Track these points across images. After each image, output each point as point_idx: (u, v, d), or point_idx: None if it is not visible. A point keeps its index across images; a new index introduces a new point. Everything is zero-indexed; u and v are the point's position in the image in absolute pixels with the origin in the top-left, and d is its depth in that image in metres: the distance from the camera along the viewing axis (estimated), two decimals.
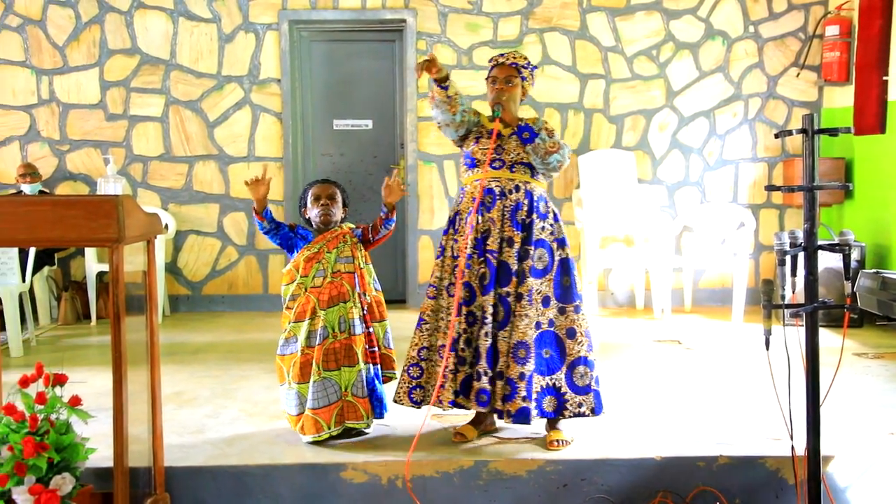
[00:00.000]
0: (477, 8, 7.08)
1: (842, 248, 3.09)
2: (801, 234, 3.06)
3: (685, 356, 5.40)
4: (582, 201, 6.79)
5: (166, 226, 6.82)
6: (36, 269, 6.16)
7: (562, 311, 3.67)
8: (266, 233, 3.79)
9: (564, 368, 3.64)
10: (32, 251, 5.90)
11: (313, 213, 3.80)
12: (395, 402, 3.75)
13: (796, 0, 7.09)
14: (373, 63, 7.31)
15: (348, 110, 7.33)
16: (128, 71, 7.04)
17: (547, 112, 7.12)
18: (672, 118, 7.19)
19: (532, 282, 3.60)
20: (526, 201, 3.66)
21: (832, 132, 3.10)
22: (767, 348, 3.09)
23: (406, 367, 3.72)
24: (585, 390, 3.64)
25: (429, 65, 3.61)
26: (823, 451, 3.14)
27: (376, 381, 3.75)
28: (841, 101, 6.98)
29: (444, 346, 3.62)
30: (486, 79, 3.86)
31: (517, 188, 3.67)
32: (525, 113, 4.16)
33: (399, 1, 7.05)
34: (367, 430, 3.78)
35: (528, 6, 7.07)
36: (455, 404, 3.64)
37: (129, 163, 7.09)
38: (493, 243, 3.62)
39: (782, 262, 3.05)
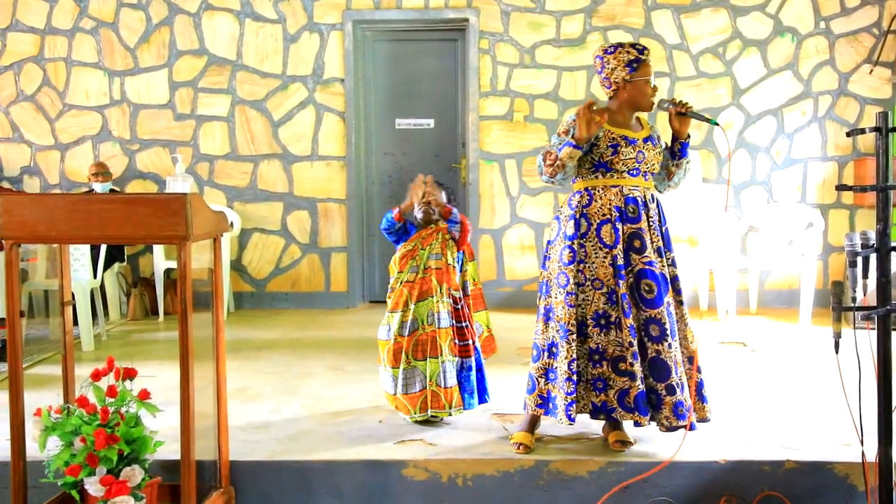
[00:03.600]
0: (540, 6, 7.05)
1: None
2: (873, 235, 2.98)
3: (750, 358, 5.31)
4: None
5: (231, 224, 6.95)
6: (107, 266, 6.33)
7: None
8: (390, 231, 3.94)
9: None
10: (104, 248, 6.05)
11: (416, 210, 3.94)
12: (568, 417, 3.50)
13: None
14: (435, 62, 7.33)
15: (411, 109, 7.36)
16: (195, 71, 7.18)
17: None
18: (738, 116, 7.07)
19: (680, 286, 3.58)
20: (658, 210, 3.61)
21: None
22: (837, 352, 3.02)
23: (560, 384, 3.49)
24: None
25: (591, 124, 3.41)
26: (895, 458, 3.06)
27: (466, 373, 3.88)
28: None
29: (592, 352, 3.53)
30: (634, 73, 3.49)
31: (652, 197, 3.60)
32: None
33: (462, 0, 7.06)
34: (449, 419, 3.92)
35: (592, 4, 7.02)
36: (594, 416, 3.54)
37: (196, 162, 7.22)
38: (651, 254, 3.49)
39: (853, 264, 2.97)
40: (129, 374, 3.08)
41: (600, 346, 3.48)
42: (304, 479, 3.45)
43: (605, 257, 3.49)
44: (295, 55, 7.16)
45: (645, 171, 3.56)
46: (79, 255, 5.75)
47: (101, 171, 6.74)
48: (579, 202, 3.56)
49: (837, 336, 3.01)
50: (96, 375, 3.04)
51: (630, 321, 3.44)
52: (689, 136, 3.63)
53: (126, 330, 6.46)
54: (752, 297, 6.92)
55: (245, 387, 4.62)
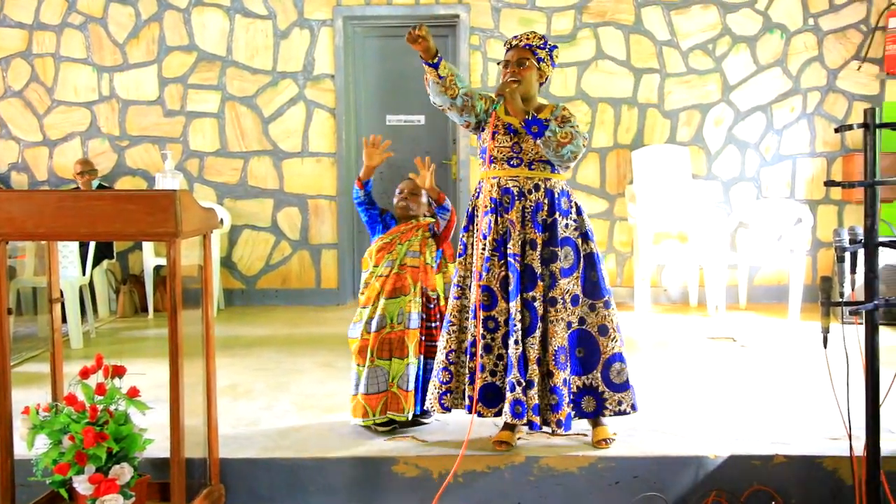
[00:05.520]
0: (531, 3, 7.05)
1: None
2: (861, 231, 2.99)
3: (740, 354, 5.32)
4: (635, 197, 6.73)
5: (221, 220, 6.94)
6: (95, 263, 6.30)
7: (592, 308, 3.55)
8: (359, 204, 3.89)
9: (600, 367, 3.54)
10: (92, 245, 6.03)
11: (395, 203, 3.88)
12: (427, 409, 3.69)
13: None
14: None
15: (401, 106, 7.35)
16: (185, 68, 7.15)
17: (600, 107, 7.07)
18: (728, 113, 7.08)
19: (563, 283, 3.47)
20: (546, 200, 3.50)
21: (895, 126, 3.02)
22: (825, 346, 3.03)
23: (436, 372, 3.64)
24: (624, 387, 3.55)
25: (419, 39, 3.44)
26: (883, 452, 3.07)
27: (429, 375, 3.74)
28: None
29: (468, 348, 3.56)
30: (499, 63, 3.67)
31: (536, 187, 3.49)
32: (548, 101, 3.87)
33: None
34: (406, 421, 3.76)
35: (582, 0, 7.02)
36: (471, 410, 3.47)
37: (185, 158, 7.20)
38: (514, 246, 3.46)
39: (842, 259, 2.98)
40: (118, 372, 3.07)
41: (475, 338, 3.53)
42: (294, 476, 3.44)
43: (482, 250, 3.52)
44: (285, 51, 7.14)
45: (531, 161, 3.50)
46: (67, 251, 5.73)
47: (87, 169, 6.70)
48: (473, 195, 3.66)
49: (826, 331, 3.02)
50: (85, 373, 3.04)
51: (491, 313, 3.48)
52: (528, 115, 3.44)
53: (115, 327, 6.44)
54: (741, 293, 6.94)
55: (235, 384, 4.61)
